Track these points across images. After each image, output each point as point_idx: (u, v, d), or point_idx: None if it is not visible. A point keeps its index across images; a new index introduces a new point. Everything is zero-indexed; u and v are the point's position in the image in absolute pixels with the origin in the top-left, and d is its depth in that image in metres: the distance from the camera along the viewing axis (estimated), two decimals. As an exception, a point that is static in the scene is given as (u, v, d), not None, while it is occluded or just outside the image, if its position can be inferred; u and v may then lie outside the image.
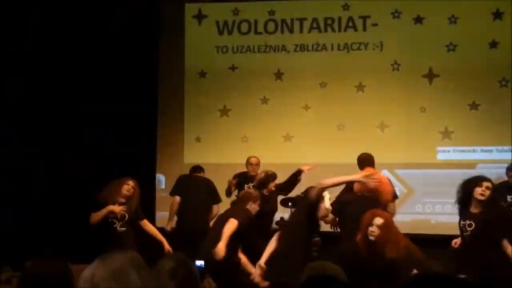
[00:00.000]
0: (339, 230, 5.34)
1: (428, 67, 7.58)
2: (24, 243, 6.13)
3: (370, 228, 4.44)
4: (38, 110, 7.45)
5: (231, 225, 4.95)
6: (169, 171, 8.06)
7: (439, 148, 7.57)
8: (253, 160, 6.76)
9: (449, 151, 7.55)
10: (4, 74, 7.13)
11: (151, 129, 8.11)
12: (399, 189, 7.06)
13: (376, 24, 7.75)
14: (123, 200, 5.46)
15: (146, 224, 5.66)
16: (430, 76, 7.59)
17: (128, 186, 5.47)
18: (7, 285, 2.93)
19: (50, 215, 7.26)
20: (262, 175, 6.12)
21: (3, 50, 7.05)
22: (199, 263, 5.32)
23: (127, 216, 5.45)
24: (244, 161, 6.83)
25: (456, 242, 5.12)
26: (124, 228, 5.44)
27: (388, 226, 4.48)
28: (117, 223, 5.42)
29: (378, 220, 4.46)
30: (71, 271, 2.44)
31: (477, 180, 4.67)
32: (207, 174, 7.05)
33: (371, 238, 4.44)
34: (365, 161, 5.57)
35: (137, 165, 7.17)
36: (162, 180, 8.11)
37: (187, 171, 7.13)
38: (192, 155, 7.99)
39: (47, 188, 7.47)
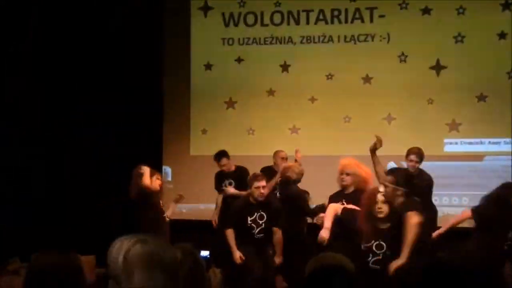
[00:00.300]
0: None
1: (436, 58, 7.52)
2: (24, 243, 6.16)
3: (377, 206, 4.21)
4: (38, 110, 7.45)
5: (228, 234, 5.59)
6: (175, 163, 8.07)
7: (446, 140, 7.53)
8: (283, 154, 6.79)
9: (456, 143, 7.51)
10: (4, 74, 7.13)
11: (157, 122, 8.10)
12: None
13: (383, 16, 7.70)
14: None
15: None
16: (438, 67, 7.53)
17: (159, 181, 5.69)
18: (14, 276, 2.94)
19: (50, 215, 7.28)
20: (301, 167, 6.23)
21: (3, 50, 7.05)
22: (205, 253, 5.37)
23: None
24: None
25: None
26: (168, 220, 5.70)
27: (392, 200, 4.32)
28: (165, 211, 5.68)
29: (382, 197, 4.25)
30: (79, 261, 2.44)
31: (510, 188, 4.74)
32: (214, 167, 7.06)
33: (381, 216, 4.22)
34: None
35: (144, 157, 7.15)
36: (168, 172, 8.11)
37: (193, 163, 7.11)
38: (198, 147, 7.99)
39: (47, 188, 7.49)
